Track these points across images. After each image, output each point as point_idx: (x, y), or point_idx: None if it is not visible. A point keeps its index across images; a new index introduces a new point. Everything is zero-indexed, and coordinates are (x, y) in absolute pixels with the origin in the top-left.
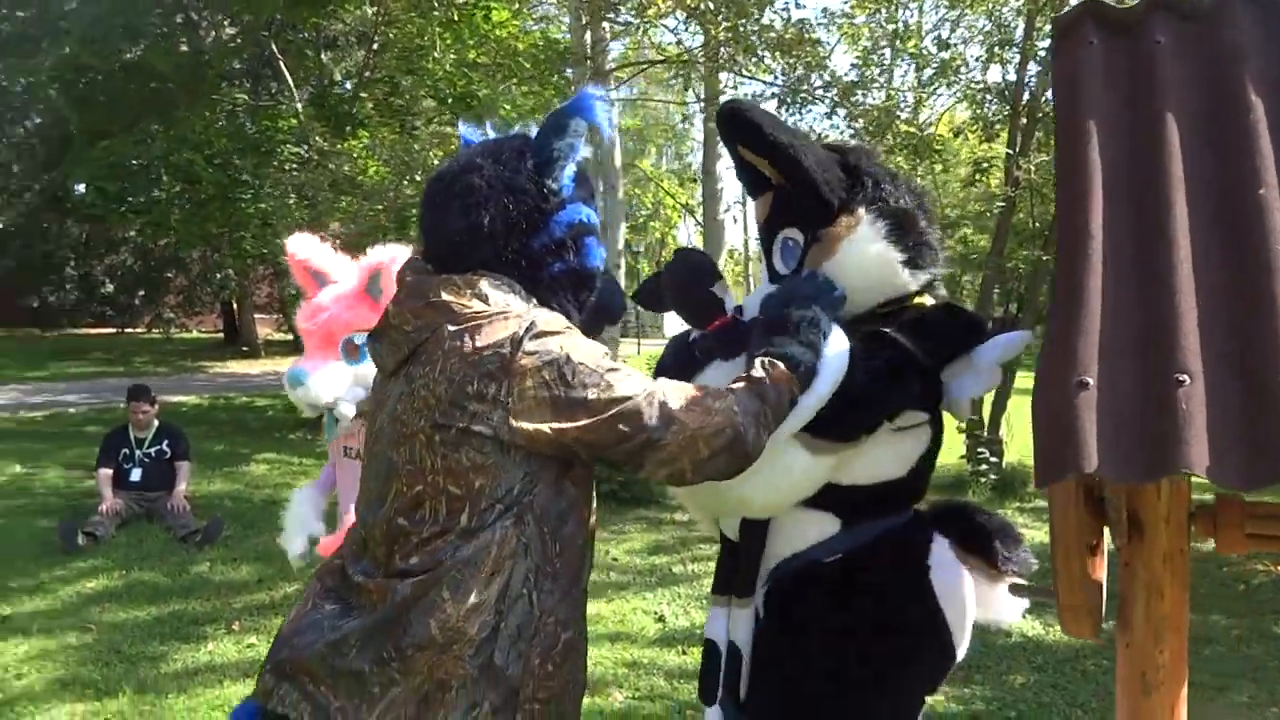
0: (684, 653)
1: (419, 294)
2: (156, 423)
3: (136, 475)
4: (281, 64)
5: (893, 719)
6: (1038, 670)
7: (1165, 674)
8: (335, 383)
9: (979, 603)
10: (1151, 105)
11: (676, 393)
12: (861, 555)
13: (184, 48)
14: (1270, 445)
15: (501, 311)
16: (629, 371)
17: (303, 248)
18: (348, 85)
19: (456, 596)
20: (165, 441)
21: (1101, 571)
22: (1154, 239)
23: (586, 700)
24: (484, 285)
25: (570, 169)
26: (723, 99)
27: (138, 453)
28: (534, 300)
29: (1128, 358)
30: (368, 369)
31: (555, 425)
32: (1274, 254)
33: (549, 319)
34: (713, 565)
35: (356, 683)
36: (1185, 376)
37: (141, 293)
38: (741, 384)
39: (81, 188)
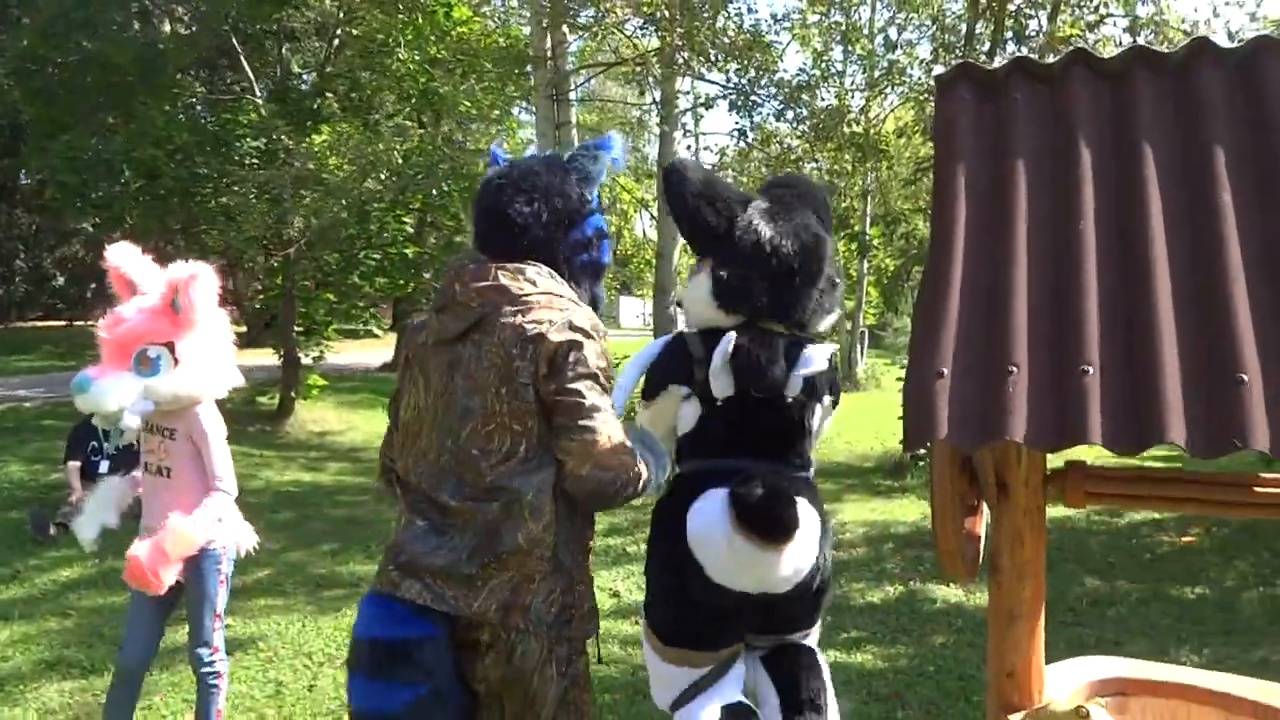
0: (637, 623)
1: (480, 277)
2: None
3: (104, 468)
4: (241, 57)
5: (675, 623)
6: (957, 632)
7: (1027, 607)
8: (121, 393)
9: (754, 561)
10: (1007, 155)
11: (629, 431)
12: (672, 487)
13: (142, 39)
14: (1070, 417)
15: (546, 293)
16: (606, 392)
17: (119, 256)
18: (307, 79)
19: (534, 517)
20: None
21: (981, 528)
22: (999, 262)
23: None
24: (530, 271)
25: (596, 188)
26: (680, 100)
27: (105, 446)
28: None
29: (975, 351)
30: (159, 382)
31: (551, 386)
32: (1084, 274)
33: (582, 320)
34: None
35: (467, 580)
36: (1014, 367)
37: (94, 285)
38: (641, 463)
39: (31, 179)
